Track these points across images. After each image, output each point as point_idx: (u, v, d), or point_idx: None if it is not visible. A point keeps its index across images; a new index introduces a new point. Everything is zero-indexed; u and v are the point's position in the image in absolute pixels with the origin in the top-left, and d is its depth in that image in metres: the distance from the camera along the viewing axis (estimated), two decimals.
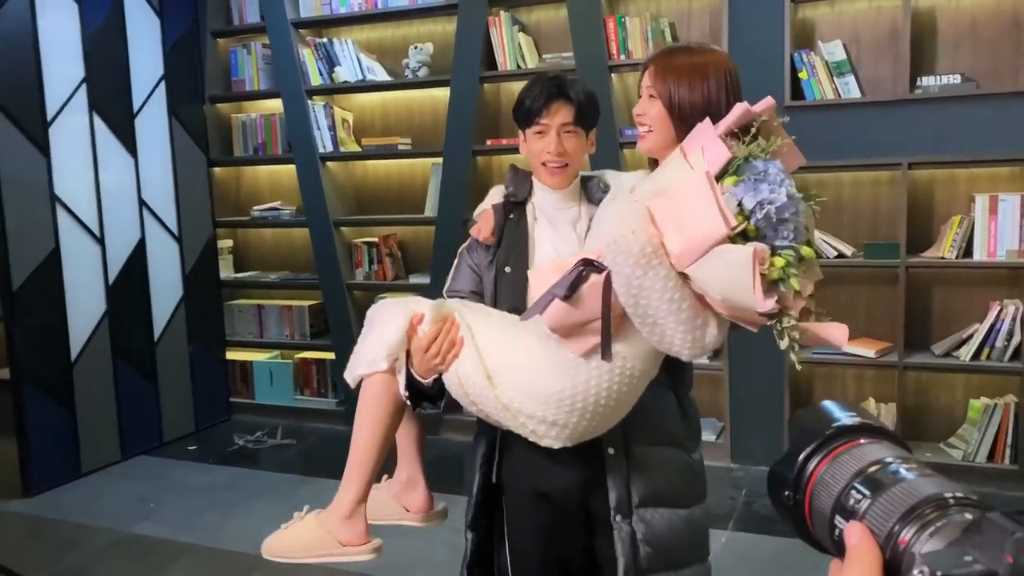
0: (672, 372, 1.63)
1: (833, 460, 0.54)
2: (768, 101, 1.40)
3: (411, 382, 1.59)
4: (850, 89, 3.57)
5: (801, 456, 0.55)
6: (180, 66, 4.48)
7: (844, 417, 0.57)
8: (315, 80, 4.42)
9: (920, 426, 3.71)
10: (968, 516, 0.45)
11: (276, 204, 4.74)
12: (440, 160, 4.23)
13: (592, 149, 1.78)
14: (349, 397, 4.53)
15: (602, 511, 1.63)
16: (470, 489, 1.72)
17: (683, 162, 1.39)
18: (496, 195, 1.79)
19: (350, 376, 1.64)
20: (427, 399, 1.62)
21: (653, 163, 1.65)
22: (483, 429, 1.72)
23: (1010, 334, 3.41)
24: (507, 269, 1.68)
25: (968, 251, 3.45)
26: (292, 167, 4.62)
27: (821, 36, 3.67)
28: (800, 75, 3.60)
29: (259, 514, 3.45)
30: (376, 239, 4.52)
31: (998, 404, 3.47)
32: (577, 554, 1.67)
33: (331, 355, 4.65)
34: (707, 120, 1.40)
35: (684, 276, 1.31)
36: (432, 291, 4.28)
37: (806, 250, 1.29)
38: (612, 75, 3.86)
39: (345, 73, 4.36)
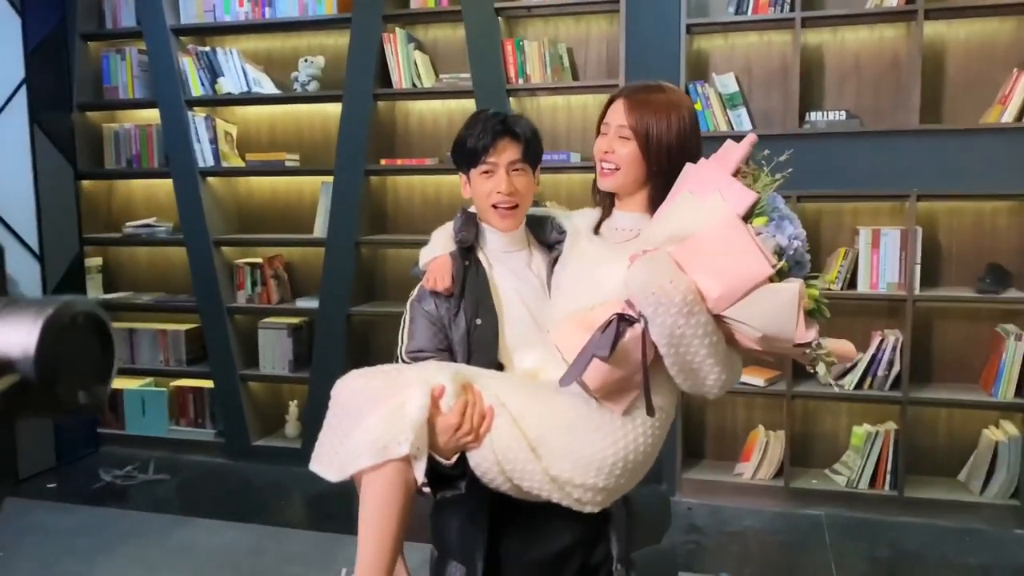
0: None
1: None
2: (752, 137, 1.46)
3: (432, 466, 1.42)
4: (742, 121, 3.62)
5: None
6: (44, 70, 4.12)
7: None
8: (196, 90, 4.16)
9: (807, 453, 3.78)
10: None
11: (151, 220, 4.43)
12: (331, 179, 4.05)
13: (538, 187, 1.74)
14: (230, 428, 4.29)
15: (601, 562, 1.57)
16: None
17: (696, 204, 1.37)
18: (442, 239, 1.70)
19: (336, 470, 1.40)
20: (447, 482, 1.46)
21: (605, 198, 1.62)
22: (465, 509, 1.55)
23: (891, 363, 3.52)
24: (478, 322, 1.58)
25: (852, 282, 3.55)
26: (167, 181, 4.33)
27: (715, 68, 3.72)
28: (695, 106, 3.63)
29: (126, 560, 3.18)
30: (260, 260, 4.28)
31: (879, 431, 3.58)
32: None
33: (209, 383, 4.37)
34: (712, 160, 1.43)
35: (716, 317, 1.34)
36: (323, 315, 4.09)
37: (826, 278, 1.36)
38: (511, 99, 3.79)
39: (229, 84, 4.13)
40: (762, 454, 3.71)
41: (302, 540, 3.37)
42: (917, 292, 3.44)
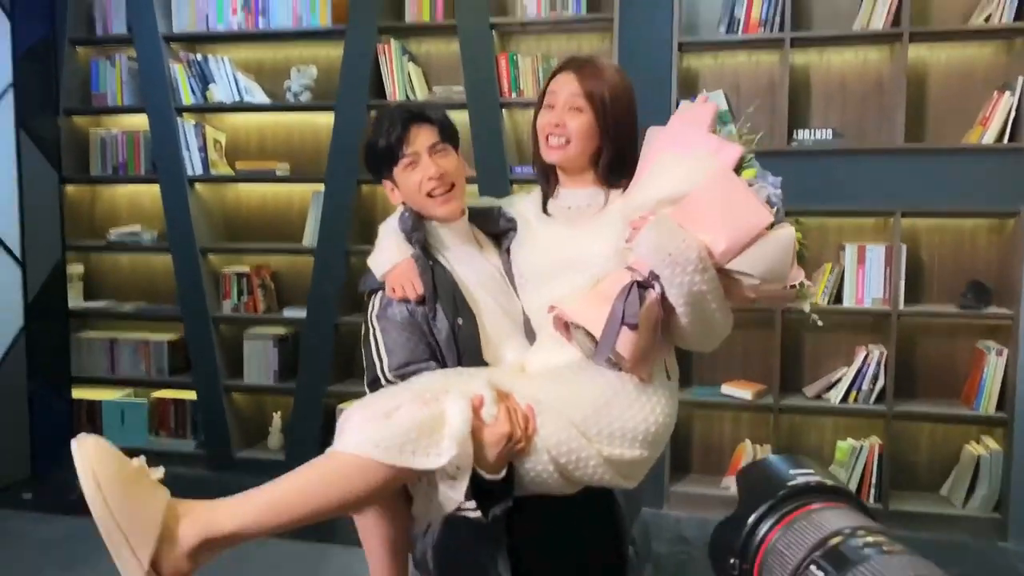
0: None
1: (787, 526, 0.46)
2: (706, 97, 1.57)
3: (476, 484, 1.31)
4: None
5: (750, 519, 0.47)
6: (32, 75, 4.09)
7: (797, 475, 0.49)
8: (186, 98, 4.15)
9: None
10: None
11: (136, 228, 4.38)
12: (321, 188, 4.05)
13: (470, 170, 1.69)
14: (212, 440, 4.23)
15: (614, 543, 1.58)
16: None
17: (684, 164, 1.40)
18: (394, 244, 1.56)
19: (338, 443, 1.28)
20: (493, 497, 1.33)
21: (546, 178, 1.60)
22: (476, 527, 1.42)
23: (875, 378, 3.58)
24: (460, 321, 1.50)
25: (838, 297, 3.61)
26: (154, 188, 4.30)
27: (705, 85, 3.79)
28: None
29: (111, 570, 3.10)
30: (247, 269, 4.25)
31: (864, 445, 3.63)
32: None
33: (192, 394, 4.31)
34: (681, 121, 1.45)
35: (719, 271, 1.37)
36: (310, 325, 4.07)
37: (802, 222, 1.45)
38: (504, 111, 3.83)
39: (220, 92, 4.12)
40: None
41: (286, 550, 3.32)
42: (902, 307, 3.51)
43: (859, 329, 3.72)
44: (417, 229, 1.56)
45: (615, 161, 1.52)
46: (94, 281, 4.61)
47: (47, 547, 3.36)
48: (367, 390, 1.50)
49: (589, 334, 1.37)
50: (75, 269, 4.50)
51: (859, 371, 3.60)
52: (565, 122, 1.51)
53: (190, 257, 4.18)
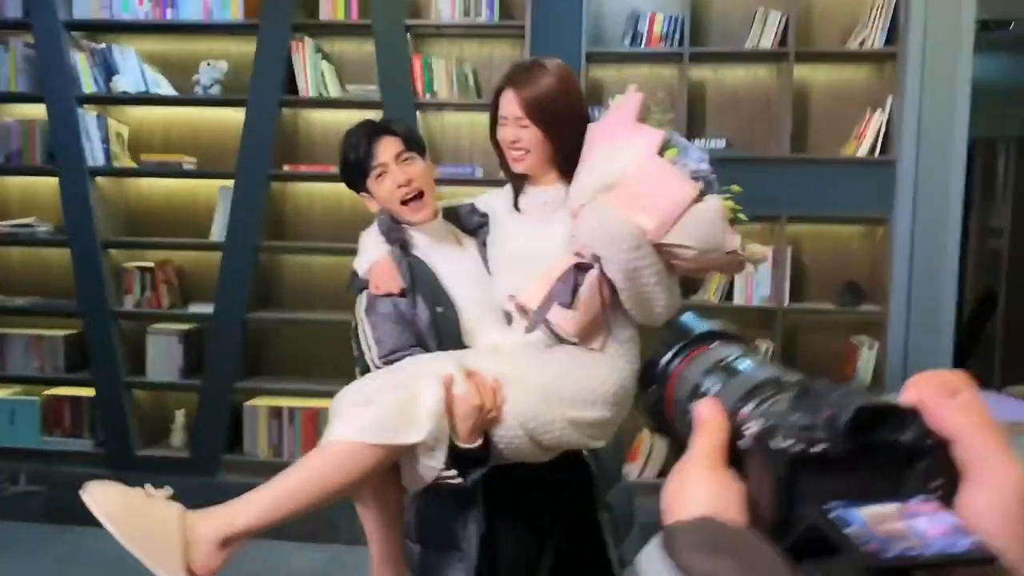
0: None
1: (692, 360, 0.62)
2: (635, 88, 1.67)
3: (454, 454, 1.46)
4: None
5: (664, 359, 0.63)
6: None
7: (702, 326, 0.66)
8: (88, 87, 4.04)
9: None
10: (799, 391, 0.53)
11: (30, 220, 4.22)
12: (229, 183, 4.02)
13: (434, 171, 1.81)
14: (111, 438, 4.12)
15: (586, 511, 1.68)
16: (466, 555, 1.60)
17: (614, 153, 1.53)
18: (374, 243, 1.69)
19: (326, 436, 1.44)
20: (471, 464, 1.49)
21: (516, 178, 1.72)
22: (453, 496, 1.58)
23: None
24: (439, 310, 1.62)
25: (729, 295, 3.89)
26: (50, 180, 4.15)
27: (609, 96, 4.00)
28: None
29: (16, 567, 3.01)
30: (150, 263, 4.17)
31: None
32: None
33: (90, 391, 4.18)
34: (613, 115, 1.57)
35: (656, 247, 1.49)
36: (218, 321, 4.03)
37: (734, 189, 1.57)
38: (418, 113, 3.92)
39: (125, 83, 4.03)
40: (648, 455, 3.96)
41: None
42: (787, 305, 3.81)
43: (748, 325, 4.01)
44: (395, 230, 1.68)
45: (571, 157, 1.65)
46: None
47: None
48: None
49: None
50: None
51: None
52: (520, 136, 1.64)
53: (91, 251, 4.06)
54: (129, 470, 4.08)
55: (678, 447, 0.60)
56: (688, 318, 0.65)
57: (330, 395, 4.30)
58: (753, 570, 0.44)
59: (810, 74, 3.95)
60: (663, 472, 3.92)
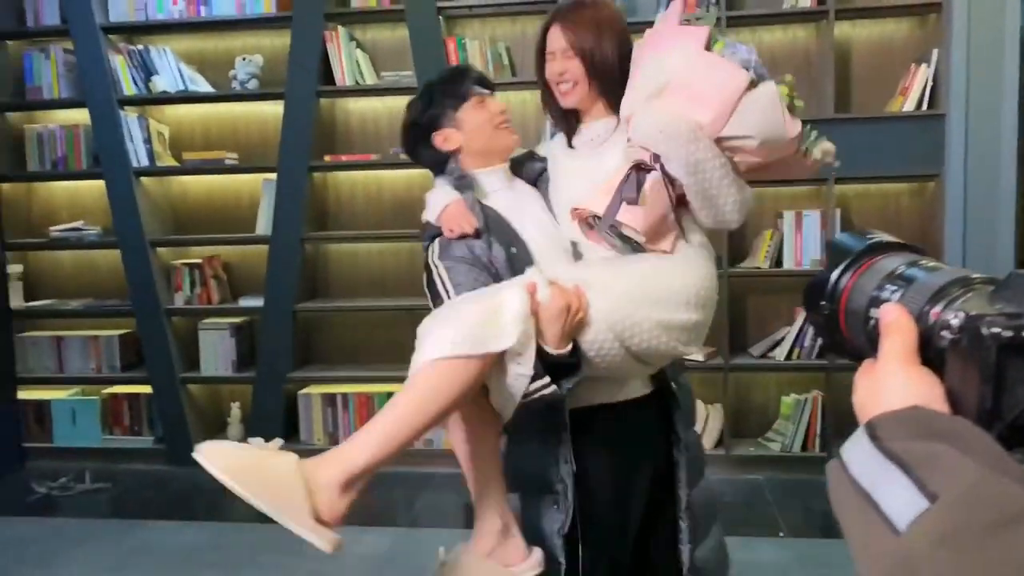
0: None
1: (865, 271, 0.62)
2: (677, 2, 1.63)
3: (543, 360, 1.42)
4: None
5: (834, 273, 0.63)
6: None
7: (863, 242, 0.65)
8: (128, 89, 4.09)
9: (741, 424, 4.04)
10: (992, 286, 0.53)
11: (79, 224, 4.30)
12: (273, 176, 4.06)
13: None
14: (170, 434, 4.19)
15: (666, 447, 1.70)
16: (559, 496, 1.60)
17: (661, 59, 1.53)
18: (442, 194, 1.68)
19: (428, 348, 1.38)
20: (564, 372, 1.46)
21: (566, 116, 1.71)
22: (542, 439, 1.60)
23: (815, 335, 3.82)
24: (513, 250, 1.60)
25: (779, 261, 3.84)
26: (97, 183, 4.22)
27: None
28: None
29: (84, 564, 3.08)
30: (199, 260, 4.23)
31: (807, 399, 3.87)
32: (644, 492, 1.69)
33: (147, 388, 4.26)
34: (666, 13, 1.58)
35: (717, 143, 1.47)
36: (268, 313, 4.08)
37: (787, 78, 1.53)
38: None
39: (164, 83, 4.07)
40: (703, 426, 3.94)
41: (265, 531, 3.33)
42: None
43: (799, 290, 3.93)
44: (464, 176, 1.67)
45: (618, 88, 1.63)
46: (33, 280, 4.49)
47: (16, 546, 3.29)
48: None
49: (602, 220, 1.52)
50: (14, 269, 4.38)
51: (800, 329, 3.84)
52: (566, 68, 1.64)
53: (139, 251, 4.12)
54: (189, 465, 4.15)
55: (854, 358, 0.61)
56: (845, 237, 0.65)
57: (381, 380, 4.33)
58: (971, 452, 0.44)
59: (851, 31, 3.87)
60: (719, 443, 3.90)
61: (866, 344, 0.59)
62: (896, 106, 3.73)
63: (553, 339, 1.42)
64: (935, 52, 3.64)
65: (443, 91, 1.70)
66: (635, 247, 1.54)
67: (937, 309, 0.53)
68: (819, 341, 3.81)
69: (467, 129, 1.68)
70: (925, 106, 3.67)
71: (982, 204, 3.67)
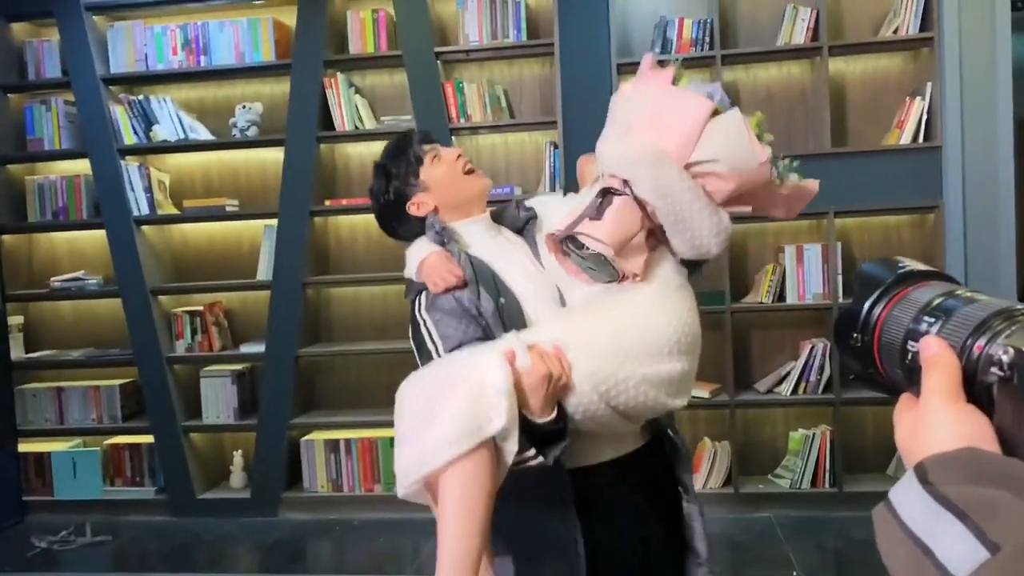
0: None
1: (899, 302, 0.60)
2: (649, 55, 1.67)
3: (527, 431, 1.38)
4: None
5: (867, 303, 0.61)
6: None
7: (894, 271, 0.64)
8: (128, 139, 4.12)
9: (749, 461, 3.99)
10: None
11: (80, 273, 4.29)
12: (274, 222, 4.06)
13: None
14: (172, 483, 4.14)
15: (671, 498, 1.65)
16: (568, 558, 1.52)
17: (629, 104, 1.57)
18: (423, 248, 1.63)
19: (417, 473, 1.35)
20: (549, 441, 1.41)
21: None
22: (546, 501, 1.51)
23: (821, 368, 3.80)
24: (502, 300, 1.55)
25: (781, 296, 3.83)
26: (96, 233, 4.24)
27: None
28: None
29: None
30: (200, 307, 4.21)
31: (815, 433, 3.83)
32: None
33: (149, 438, 4.22)
34: (640, 68, 1.61)
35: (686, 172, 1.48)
36: (270, 359, 4.06)
37: (757, 114, 1.56)
38: (453, 137, 3.94)
39: (164, 132, 4.10)
40: (711, 464, 3.89)
41: None
42: (840, 300, 3.75)
43: (802, 324, 3.95)
44: (445, 228, 1.63)
45: None
46: (33, 332, 4.47)
47: None
48: None
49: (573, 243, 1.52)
50: (14, 320, 4.37)
51: (806, 364, 3.82)
52: None
53: (140, 299, 4.12)
54: (191, 515, 4.11)
55: (889, 392, 0.59)
56: (872, 267, 0.64)
57: (385, 425, 4.28)
58: None
59: (845, 66, 3.91)
60: (728, 481, 3.85)
61: (903, 379, 0.57)
62: (892, 139, 3.75)
63: (537, 407, 1.37)
64: (929, 85, 3.67)
65: (396, 163, 1.67)
66: (609, 273, 1.50)
67: (981, 343, 0.51)
68: (825, 374, 3.79)
69: (435, 187, 1.65)
70: (921, 138, 3.69)
71: (982, 234, 3.68)
